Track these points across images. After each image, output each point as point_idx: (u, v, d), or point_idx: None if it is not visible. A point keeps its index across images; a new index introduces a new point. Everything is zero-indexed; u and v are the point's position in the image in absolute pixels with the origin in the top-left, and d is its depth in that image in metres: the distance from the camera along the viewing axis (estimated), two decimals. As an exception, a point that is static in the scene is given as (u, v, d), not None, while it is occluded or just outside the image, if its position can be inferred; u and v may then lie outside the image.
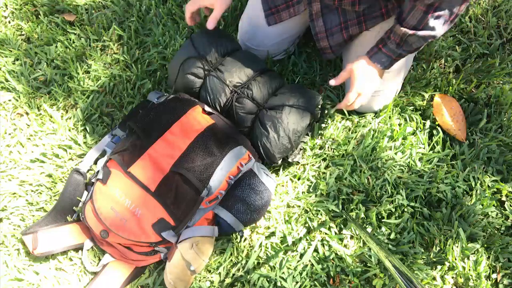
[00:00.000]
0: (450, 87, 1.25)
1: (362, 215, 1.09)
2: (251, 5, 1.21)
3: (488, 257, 1.06)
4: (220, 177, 1.00)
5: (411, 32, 0.93)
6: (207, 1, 1.08)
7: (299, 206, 1.12)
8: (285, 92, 1.10)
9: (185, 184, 0.98)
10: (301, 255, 1.07)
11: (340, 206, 1.11)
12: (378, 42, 1.01)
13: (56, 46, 1.38)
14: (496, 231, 1.09)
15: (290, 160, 1.13)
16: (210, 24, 1.08)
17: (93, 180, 1.08)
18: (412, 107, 1.25)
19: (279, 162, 1.11)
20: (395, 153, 1.17)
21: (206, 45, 1.11)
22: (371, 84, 1.04)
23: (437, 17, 0.90)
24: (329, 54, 1.19)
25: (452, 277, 1.04)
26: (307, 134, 1.19)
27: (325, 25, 1.12)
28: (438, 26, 0.91)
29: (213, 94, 1.10)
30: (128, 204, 0.98)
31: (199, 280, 1.04)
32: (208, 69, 1.10)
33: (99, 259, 1.07)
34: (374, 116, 1.23)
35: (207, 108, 1.10)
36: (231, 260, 1.06)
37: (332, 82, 1.04)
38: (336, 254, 1.06)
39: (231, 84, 1.09)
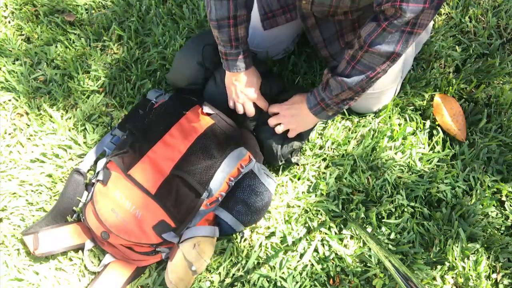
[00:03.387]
0: (450, 87, 1.25)
1: (362, 215, 1.09)
2: None
3: (488, 257, 1.06)
4: (220, 179, 1.00)
5: (329, 74, 0.93)
6: (248, 98, 1.07)
7: (299, 206, 1.12)
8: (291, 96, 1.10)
9: (185, 187, 0.98)
10: (301, 255, 1.07)
11: (340, 206, 1.11)
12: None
13: (56, 46, 1.38)
14: (496, 231, 1.09)
15: (294, 161, 1.13)
16: (266, 107, 1.09)
17: (93, 181, 1.08)
18: (412, 107, 1.25)
19: (283, 163, 1.12)
20: (395, 153, 1.17)
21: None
22: (293, 115, 1.04)
23: (358, 71, 0.88)
24: (332, 62, 1.20)
25: (452, 277, 1.04)
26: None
27: (322, 35, 1.12)
28: (356, 78, 0.89)
29: (225, 86, 1.09)
30: (129, 206, 0.98)
31: (199, 280, 1.04)
32: (219, 61, 1.10)
33: (100, 259, 1.07)
34: (374, 116, 1.23)
35: (207, 110, 1.09)
36: (231, 260, 1.06)
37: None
38: (336, 254, 1.06)
39: None
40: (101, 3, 1.47)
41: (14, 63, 1.37)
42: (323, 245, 1.08)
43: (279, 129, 1.06)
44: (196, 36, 1.14)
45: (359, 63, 0.87)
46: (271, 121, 1.07)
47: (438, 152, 1.18)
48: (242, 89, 1.05)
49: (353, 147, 1.19)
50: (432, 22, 1.21)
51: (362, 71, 0.88)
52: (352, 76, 0.90)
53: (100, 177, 1.02)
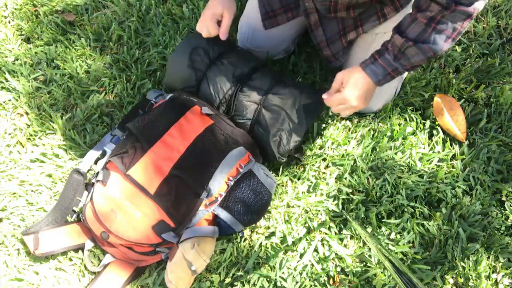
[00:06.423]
0: (450, 87, 1.25)
1: (362, 215, 1.09)
2: (249, 7, 1.21)
3: (488, 257, 1.06)
4: (219, 179, 1.00)
5: (410, 42, 0.88)
6: (216, 11, 1.05)
7: (299, 206, 1.12)
8: (288, 93, 1.09)
9: (185, 187, 0.98)
10: (301, 255, 1.07)
11: (340, 206, 1.11)
12: (374, 53, 0.96)
13: (56, 46, 1.38)
14: (496, 231, 1.09)
15: (295, 155, 1.13)
16: (223, 35, 1.06)
17: (93, 181, 1.08)
18: (412, 107, 1.25)
19: (284, 160, 1.11)
20: (395, 153, 1.17)
21: (204, 42, 1.12)
22: (360, 96, 0.96)
23: (439, 32, 0.86)
24: (334, 62, 1.19)
25: (452, 277, 1.04)
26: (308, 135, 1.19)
27: (325, 34, 1.12)
28: (439, 41, 0.87)
29: (217, 84, 1.10)
30: (128, 206, 0.98)
31: (199, 280, 1.04)
32: (210, 61, 1.11)
33: (100, 259, 1.07)
34: (374, 116, 1.23)
35: (206, 110, 1.09)
36: (231, 260, 1.06)
37: (326, 96, 1.00)
38: (336, 254, 1.06)
39: (234, 74, 1.10)
40: (101, 3, 1.47)
41: (14, 63, 1.37)
42: (323, 245, 1.08)
43: (346, 115, 1.02)
44: (185, 39, 1.14)
45: (441, 23, 0.85)
46: (343, 113, 1.01)
47: (438, 152, 1.18)
48: (210, 7, 1.05)
49: (353, 147, 1.19)
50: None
51: (443, 32, 0.86)
52: (436, 41, 0.87)
53: (100, 177, 1.02)
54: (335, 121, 1.22)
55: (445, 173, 1.15)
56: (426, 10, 0.85)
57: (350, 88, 0.95)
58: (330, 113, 1.23)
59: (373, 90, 0.99)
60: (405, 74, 1.21)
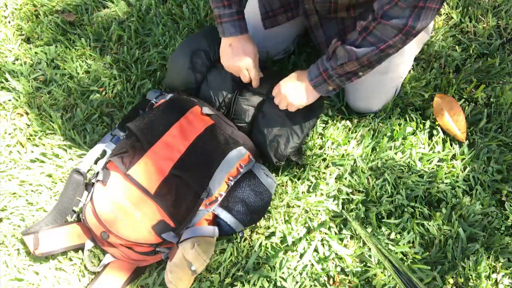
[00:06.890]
0: (450, 87, 1.25)
1: (362, 215, 1.09)
2: (249, 7, 1.21)
3: (488, 257, 1.06)
4: (219, 178, 1.00)
5: (339, 42, 0.91)
6: (243, 65, 1.04)
7: (299, 206, 1.12)
8: None
9: (185, 187, 0.98)
10: (301, 255, 1.07)
11: (340, 206, 1.11)
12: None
13: (56, 46, 1.38)
14: (496, 231, 1.09)
15: (294, 159, 1.13)
16: (256, 83, 1.08)
17: (93, 181, 1.08)
18: (412, 107, 1.25)
19: (282, 163, 1.12)
20: (395, 153, 1.17)
21: (205, 44, 1.12)
22: (290, 87, 1.01)
23: (368, 42, 0.87)
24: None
25: (452, 277, 1.04)
26: (307, 134, 1.19)
27: (325, 34, 1.12)
28: (365, 48, 0.88)
29: (216, 88, 1.10)
30: (128, 206, 0.98)
31: (199, 280, 1.04)
32: (211, 64, 1.11)
33: (100, 259, 1.07)
34: (374, 116, 1.23)
35: (206, 110, 1.09)
36: (231, 260, 1.06)
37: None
38: (336, 254, 1.06)
39: (235, 78, 1.10)
40: (101, 3, 1.47)
41: (14, 63, 1.37)
42: (323, 245, 1.08)
43: (281, 107, 1.04)
44: (185, 40, 1.14)
45: (371, 34, 0.86)
46: (275, 100, 1.05)
47: (438, 152, 1.18)
48: (237, 56, 1.02)
49: (353, 147, 1.19)
50: (432, 22, 1.22)
51: (373, 43, 0.87)
52: (362, 47, 0.89)
53: (100, 177, 1.02)
54: (335, 121, 1.22)
55: (445, 173, 1.15)
56: (363, 19, 0.87)
57: (288, 78, 1.03)
58: (330, 113, 1.23)
59: (305, 88, 1.00)
60: (399, 80, 1.19)
